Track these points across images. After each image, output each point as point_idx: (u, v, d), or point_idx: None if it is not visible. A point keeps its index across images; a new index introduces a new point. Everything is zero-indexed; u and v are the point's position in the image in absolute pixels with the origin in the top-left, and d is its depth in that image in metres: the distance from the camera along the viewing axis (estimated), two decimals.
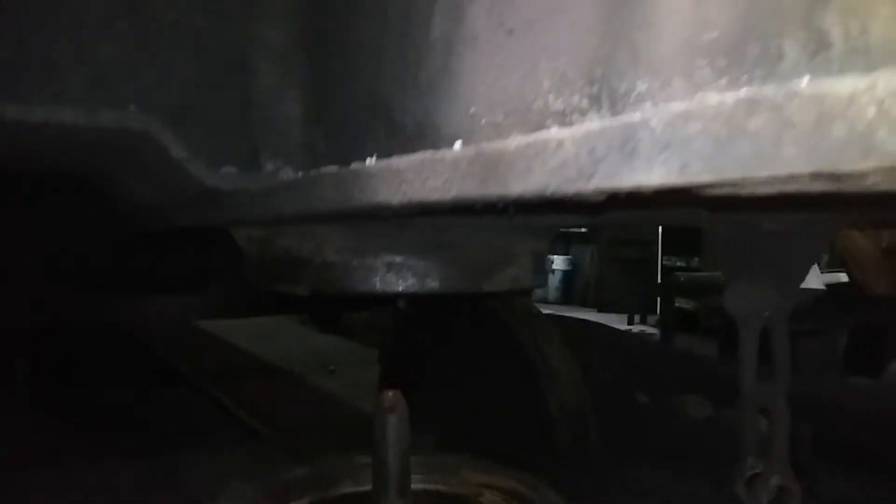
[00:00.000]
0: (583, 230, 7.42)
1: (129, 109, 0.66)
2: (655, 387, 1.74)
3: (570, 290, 7.91)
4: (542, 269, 0.99)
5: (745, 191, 0.28)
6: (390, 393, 1.00)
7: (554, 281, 7.67)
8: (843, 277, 4.58)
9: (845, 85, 0.23)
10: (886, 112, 0.22)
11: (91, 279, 2.09)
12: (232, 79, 0.76)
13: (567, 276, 7.91)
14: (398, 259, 0.85)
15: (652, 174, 0.29)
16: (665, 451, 1.40)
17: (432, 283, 0.86)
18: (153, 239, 1.92)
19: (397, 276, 0.85)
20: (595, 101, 0.41)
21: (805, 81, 0.25)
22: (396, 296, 0.86)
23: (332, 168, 0.59)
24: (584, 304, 7.61)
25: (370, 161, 0.53)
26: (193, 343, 4.15)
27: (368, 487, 1.04)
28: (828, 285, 4.62)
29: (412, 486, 1.01)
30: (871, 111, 0.22)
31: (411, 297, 0.88)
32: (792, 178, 0.24)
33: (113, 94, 0.68)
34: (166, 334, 3.91)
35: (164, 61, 0.73)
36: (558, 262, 7.84)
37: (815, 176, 0.23)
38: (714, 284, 5.08)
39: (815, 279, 4.52)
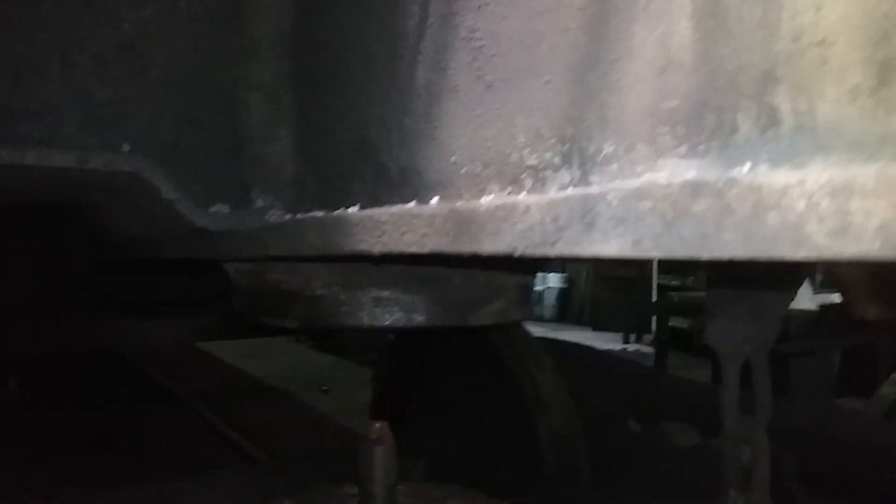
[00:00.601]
0: None
1: (121, 152, 0.67)
2: (646, 413, 1.75)
3: (566, 308, 7.93)
4: (529, 300, 1.00)
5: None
6: (377, 425, 1.01)
7: (549, 299, 7.69)
8: (835, 298, 4.59)
9: (779, 177, 0.24)
10: (815, 206, 0.23)
11: (84, 304, 2.10)
12: (223, 118, 0.77)
13: (562, 294, 7.92)
14: (385, 294, 0.86)
15: (609, 245, 0.31)
16: (651, 480, 1.41)
17: (419, 318, 0.88)
18: (146, 266, 1.93)
19: (384, 310, 0.87)
20: (566, 159, 0.43)
21: (746, 169, 0.26)
22: (383, 330, 0.87)
23: (318, 213, 0.60)
24: (579, 322, 7.62)
25: (353, 210, 0.54)
26: (187, 363, 4.14)
27: None
28: (821, 306, 4.64)
29: None
30: (802, 204, 0.24)
31: (398, 332, 0.89)
32: (732, 260, 0.26)
33: (105, 134, 0.70)
34: (160, 356, 3.90)
35: (156, 101, 0.74)
36: (553, 280, 7.86)
37: (753, 261, 0.25)
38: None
39: (809, 300, 4.54)
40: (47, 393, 2.87)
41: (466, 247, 0.40)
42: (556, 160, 0.43)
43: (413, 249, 0.44)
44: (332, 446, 2.80)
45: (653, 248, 0.28)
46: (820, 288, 5.17)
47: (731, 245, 0.25)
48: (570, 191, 0.34)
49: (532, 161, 0.45)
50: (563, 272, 8.09)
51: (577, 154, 0.41)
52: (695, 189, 0.27)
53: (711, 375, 3.40)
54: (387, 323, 0.87)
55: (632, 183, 0.30)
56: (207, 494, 1.34)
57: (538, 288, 7.67)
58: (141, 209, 0.73)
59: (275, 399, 3.90)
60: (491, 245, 0.38)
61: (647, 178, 0.30)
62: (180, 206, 0.69)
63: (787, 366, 3.93)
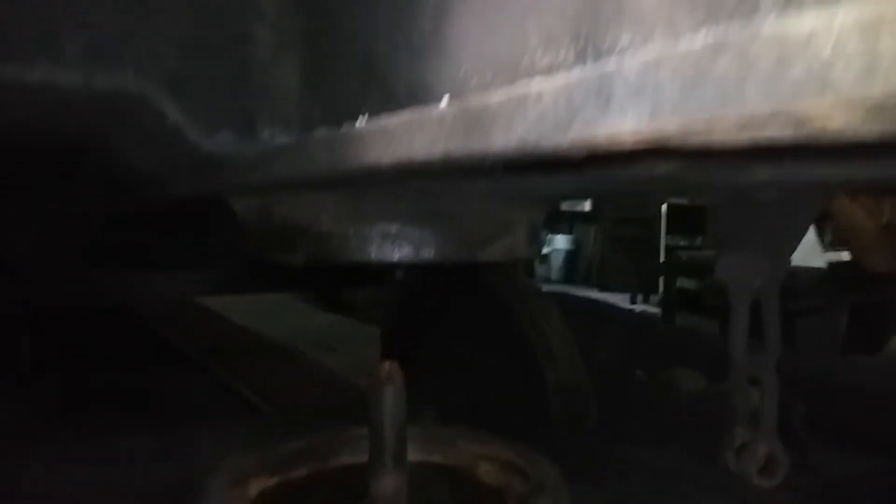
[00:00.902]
0: (585, 210, 7.42)
1: (127, 73, 0.67)
2: (654, 363, 1.76)
3: (573, 269, 7.93)
4: (539, 240, 1.00)
5: (715, 138, 0.28)
6: (386, 364, 1.01)
7: (556, 261, 7.69)
8: (845, 256, 4.57)
9: (804, 24, 0.24)
10: (842, 49, 0.22)
11: (91, 257, 2.11)
12: (230, 46, 0.76)
13: (570, 255, 7.92)
14: (394, 228, 0.86)
15: (625, 121, 0.30)
16: (658, 425, 1.42)
17: (427, 253, 0.87)
18: (153, 217, 1.93)
19: (393, 245, 0.86)
20: (580, 56, 0.42)
21: (769, 22, 0.25)
22: (392, 265, 0.87)
23: (324, 130, 0.60)
24: (587, 283, 7.64)
25: (361, 121, 0.54)
26: (195, 321, 4.18)
27: (366, 459, 1.05)
28: (829, 264, 4.62)
29: (408, 458, 1.02)
30: (828, 49, 0.23)
31: (407, 267, 0.89)
32: (754, 119, 0.25)
33: (110, 61, 0.69)
34: (168, 312, 3.94)
35: (161, 29, 0.73)
36: (560, 242, 7.85)
37: (774, 115, 0.24)
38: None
39: (817, 258, 4.52)
40: (59, 352, 2.91)
41: (476, 145, 0.39)
42: (570, 58, 0.42)
43: (424, 154, 0.43)
44: (340, 401, 2.83)
45: (671, 116, 0.27)
46: (829, 246, 5.15)
47: (753, 102, 0.25)
48: (586, 70, 0.33)
49: (545, 62, 0.44)
50: (570, 234, 8.08)
51: (591, 49, 0.40)
52: (716, 49, 0.26)
53: (718, 333, 3.40)
54: (395, 258, 0.86)
55: (650, 52, 0.29)
56: (216, 439, 1.36)
57: (545, 250, 7.67)
58: (147, 137, 0.72)
59: (283, 357, 3.93)
60: (502, 138, 0.37)
61: (672, 44, 0.29)
62: (187, 131, 0.68)
63: (793, 324, 3.93)
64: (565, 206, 7.03)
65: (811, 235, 4.38)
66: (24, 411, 2.24)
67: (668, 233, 6.96)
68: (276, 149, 0.68)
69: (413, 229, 0.86)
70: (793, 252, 0.92)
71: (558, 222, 7.96)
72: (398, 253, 0.86)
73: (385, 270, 0.94)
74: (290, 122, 0.76)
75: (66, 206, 1.60)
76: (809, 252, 4.53)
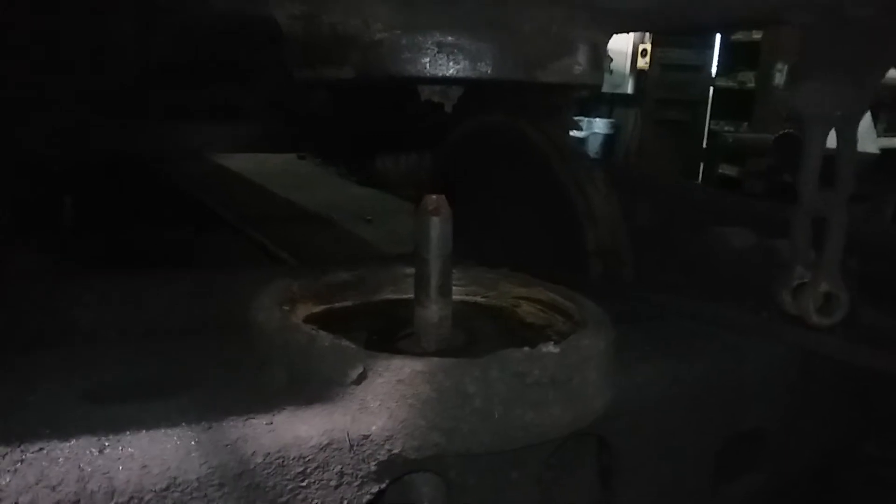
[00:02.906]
0: (627, 91, 7.15)
1: None
2: (698, 224, 1.71)
3: (611, 154, 7.76)
4: (601, 66, 0.93)
5: None
6: (434, 196, 0.98)
7: (594, 144, 7.51)
8: None
9: None
10: None
11: (132, 110, 2.09)
12: None
13: (608, 140, 7.72)
14: (450, 39, 0.80)
15: None
16: (701, 280, 1.39)
17: (484, 68, 0.82)
18: (185, 68, 1.88)
19: (448, 57, 0.81)
20: None
21: None
22: (447, 80, 0.82)
23: None
24: None
25: None
26: (232, 188, 4.20)
27: (409, 295, 1.05)
28: (882, 150, 4.44)
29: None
30: None
31: (461, 83, 0.84)
32: None
33: None
34: (206, 177, 3.95)
35: None
36: (599, 126, 7.63)
37: None
38: (762, 147, 4.91)
39: (870, 143, 4.34)
40: (100, 213, 2.95)
41: None
42: None
43: None
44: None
45: None
46: (883, 133, 4.93)
47: None
48: None
49: None
50: (609, 118, 7.84)
51: None
52: None
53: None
54: (450, 72, 0.81)
55: None
56: (258, 280, 1.37)
57: (582, 133, 7.48)
58: None
59: (320, 225, 3.96)
60: None
61: None
62: None
63: None
64: (606, 86, 6.77)
65: (866, 119, 4.18)
66: (72, 262, 2.30)
67: (713, 117, 6.72)
68: None
69: (470, 41, 0.80)
70: (878, 82, 0.85)
71: (597, 105, 7.70)
72: (454, 66, 0.81)
73: (432, 108, 0.88)
74: None
75: (102, 43, 1.55)
76: (863, 137, 4.35)
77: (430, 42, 0.80)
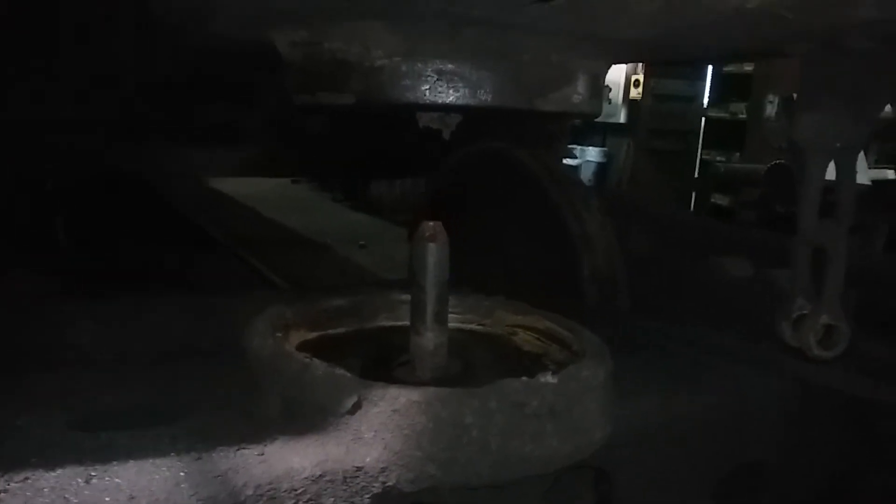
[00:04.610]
0: (620, 121, 7.21)
1: None
2: (694, 253, 1.71)
3: (604, 183, 7.79)
4: (600, 95, 0.94)
5: None
6: (431, 223, 0.98)
7: (587, 173, 7.54)
8: (890, 175, 4.41)
9: None
10: None
11: (129, 129, 2.08)
12: None
13: (601, 168, 7.76)
14: (450, 66, 0.80)
15: None
16: (699, 309, 1.38)
17: (484, 96, 0.82)
18: (184, 88, 1.88)
19: (448, 85, 0.81)
20: None
21: None
22: (446, 108, 0.82)
23: None
24: None
25: None
26: (226, 210, 4.19)
27: (405, 322, 1.04)
28: (874, 181, 4.48)
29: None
30: None
31: (461, 110, 0.83)
32: None
33: None
34: (200, 200, 3.94)
35: None
36: (592, 154, 7.68)
37: None
38: (754, 177, 4.94)
39: (862, 174, 4.36)
40: (93, 233, 2.92)
41: None
42: None
43: None
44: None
45: None
46: (875, 164, 4.98)
47: None
48: None
49: None
50: (602, 147, 7.90)
51: None
52: None
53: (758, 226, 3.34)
54: (450, 100, 0.81)
55: None
56: (257, 302, 1.36)
57: (575, 162, 7.52)
58: None
59: (313, 250, 3.95)
60: None
61: None
62: None
63: None
64: (599, 118, 6.82)
65: None
66: (66, 283, 2.27)
67: (705, 147, 6.77)
68: None
69: (470, 69, 0.80)
70: (878, 115, 0.85)
71: (591, 133, 7.76)
72: (453, 94, 0.81)
73: (431, 135, 0.88)
74: None
75: (107, 73, 1.54)
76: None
77: (430, 69, 0.80)
